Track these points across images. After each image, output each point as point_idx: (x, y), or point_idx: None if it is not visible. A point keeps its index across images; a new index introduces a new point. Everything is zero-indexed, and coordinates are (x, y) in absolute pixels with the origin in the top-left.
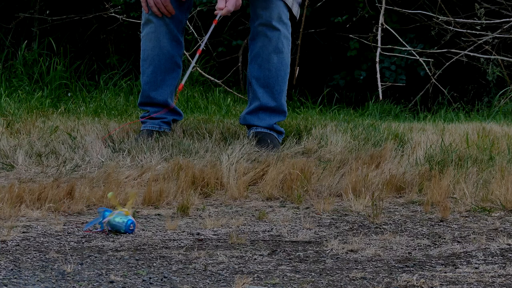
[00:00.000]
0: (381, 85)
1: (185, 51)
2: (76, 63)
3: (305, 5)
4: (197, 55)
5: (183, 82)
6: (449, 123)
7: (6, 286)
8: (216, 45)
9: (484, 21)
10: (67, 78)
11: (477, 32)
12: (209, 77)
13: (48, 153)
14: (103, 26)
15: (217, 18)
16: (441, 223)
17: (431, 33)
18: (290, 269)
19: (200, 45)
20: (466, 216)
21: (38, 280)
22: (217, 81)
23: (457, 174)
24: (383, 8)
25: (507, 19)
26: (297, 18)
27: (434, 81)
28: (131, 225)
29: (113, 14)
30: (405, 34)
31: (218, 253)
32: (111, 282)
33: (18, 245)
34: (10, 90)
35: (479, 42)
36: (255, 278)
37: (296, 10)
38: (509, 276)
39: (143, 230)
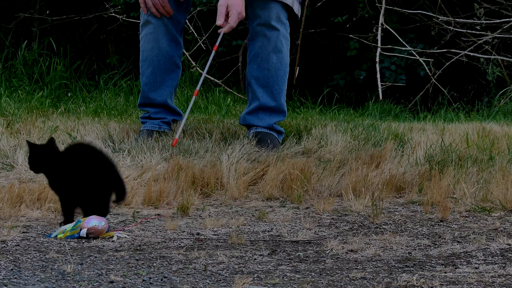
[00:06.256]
0: (381, 85)
1: (184, 51)
2: (76, 63)
3: (305, 5)
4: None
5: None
6: (449, 123)
7: (6, 286)
8: None
9: (484, 21)
10: (67, 78)
11: (477, 32)
12: (209, 77)
13: None
14: (103, 26)
15: (217, 43)
16: (441, 223)
17: (431, 33)
18: (290, 269)
19: (205, 68)
20: (466, 216)
21: (38, 280)
22: (217, 81)
23: (457, 174)
24: (383, 8)
25: (507, 19)
26: (299, 17)
27: (434, 81)
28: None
29: (113, 14)
30: (405, 34)
31: (218, 253)
32: (111, 282)
33: (18, 245)
34: (10, 90)
35: (479, 42)
36: (255, 278)
37: (297, 8)
38: (509, 276)
39: (143, 230)
